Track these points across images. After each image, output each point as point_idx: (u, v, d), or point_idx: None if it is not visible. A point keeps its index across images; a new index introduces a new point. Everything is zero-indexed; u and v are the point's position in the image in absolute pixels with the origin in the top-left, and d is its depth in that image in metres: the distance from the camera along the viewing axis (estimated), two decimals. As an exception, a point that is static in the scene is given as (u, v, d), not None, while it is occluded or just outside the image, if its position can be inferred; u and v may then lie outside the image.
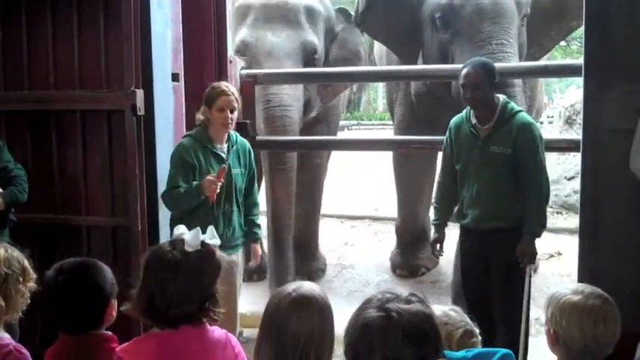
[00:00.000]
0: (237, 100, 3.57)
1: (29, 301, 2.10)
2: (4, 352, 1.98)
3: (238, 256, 3.70)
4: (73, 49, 3.76)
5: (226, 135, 3.59)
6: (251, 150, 3.76)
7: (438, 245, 3.83)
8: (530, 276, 3.49)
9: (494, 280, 3.59)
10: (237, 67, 4.64)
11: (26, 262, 2.07)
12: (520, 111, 3.56)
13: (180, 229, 2.04)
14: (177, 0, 3.93)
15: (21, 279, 2.02)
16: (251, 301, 4.96)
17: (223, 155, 3.56)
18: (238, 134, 3.74)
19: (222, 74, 4.30)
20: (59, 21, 3.79)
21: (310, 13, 5.52)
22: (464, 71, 3.54)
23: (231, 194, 3.57)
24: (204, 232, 2.05)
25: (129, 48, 3.56)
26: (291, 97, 5.19)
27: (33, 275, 2.08)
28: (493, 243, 3.57)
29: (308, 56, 5.40)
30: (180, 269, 1.94)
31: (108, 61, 3.72)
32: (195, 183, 3.45)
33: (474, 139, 3.57)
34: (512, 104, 3.60)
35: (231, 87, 3.62)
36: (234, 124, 3.58)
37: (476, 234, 3.64)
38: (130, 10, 3.55)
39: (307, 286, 1.83)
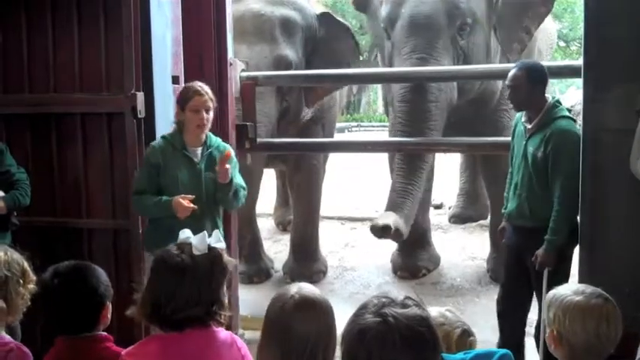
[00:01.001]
0: (212, 100, 3.47)
1: (29, 303, 2.10)
2: (6, 350, 1.99)
3: None
4: (74, 51, 3.77)
5: (203, 137, 3.49)
6: (231, 152, 3.52)
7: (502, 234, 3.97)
8: (547, 279, 3.50)
9: (530, 277, 3.68)
10: (237, 69, 4.64)
11: (26, 265, 2.08)
12: (565, 117, 3.53)
13: (187, 233, 2.05)
14: (177, 2, 3.94)
15: (21, 281, 2.03)
16: (252, 303, 4.96)
17: (196, 160, 3.47)
18: (220, 139, 3.63)
19: (222, 76, 4.29)
20: (59, 24, 3.80)
21: (286, 25, 5.48)
22: (510, 73, 3.65)
23: (201, 199, 3.43)
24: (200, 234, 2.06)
25: (129, 51, 3.57)
26: (260, 113, 5.07)
27: (33, 277, 2.09)
28: (523, 240, 3.69)
29: (281, 70, 5.36)
30: (187, 273, 1.95)
31: (108, 63, 3.73)
32: (164, 199, 3.36)
33: (523, 137, 3.67)
34: (561, 108, 3.60)
35: (204, 86, 3.50)
36: (209, 126, 3.49)
37: (512, 227, 3.79)
38: (130, 13, 3.55)
39: (308, 288, 1.84)
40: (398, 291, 1.47)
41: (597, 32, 3.21)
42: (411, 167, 5.00)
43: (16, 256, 2.07)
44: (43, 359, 2.10)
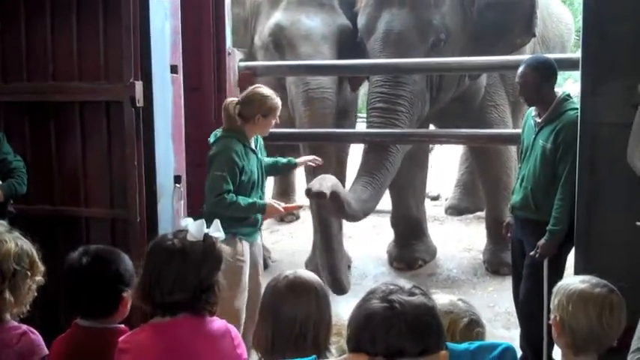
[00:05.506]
0: None
1: (36, 294, 2.10)
2: (19, 334, 2.01)
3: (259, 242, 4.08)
4: (72, 40, 3.75)
5: None
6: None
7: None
8: (547, 270, 3.55)
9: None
10: (235, 59, 4.64)
11: (35, 256, 2.07)
12: (576, 109, 3.53)
13: (187, 221, 2.08)
14: (176, -8, 3.93)
15: (29, 274, 2.03)
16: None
17: (256, 150, 3.86)
18: None
19: (220, 66, 4.30)
20: (58, 12, 3.78)
21: None
22: (518, 70, 3.72)
23: (263, 183, 3.92)
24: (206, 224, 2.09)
25: (128, 40, 3.56)
26: (329, 79, 5.18)
27: (41, 268, 2.08)
28: (524, 232, 3.79)
29: (344, 39, 5.38)
30: (175, 256, 1.98)
31: (107, 52, 3.71)
32: (260, 202, 3.78)
33: (532, 131, 3.74)
34: (571, 102, 3.66)
35: None
36: None
37: (516, 220, 3.89)
38: (130, 2, 3.54)
39: (304, 272, 1.87)
40: (406, 280, 1.47)
41: (596, 25, 3.22)
42: (376, 161, 4.97)
43: (26, 246, 2.05)
44: (55, 342, 2.11)
